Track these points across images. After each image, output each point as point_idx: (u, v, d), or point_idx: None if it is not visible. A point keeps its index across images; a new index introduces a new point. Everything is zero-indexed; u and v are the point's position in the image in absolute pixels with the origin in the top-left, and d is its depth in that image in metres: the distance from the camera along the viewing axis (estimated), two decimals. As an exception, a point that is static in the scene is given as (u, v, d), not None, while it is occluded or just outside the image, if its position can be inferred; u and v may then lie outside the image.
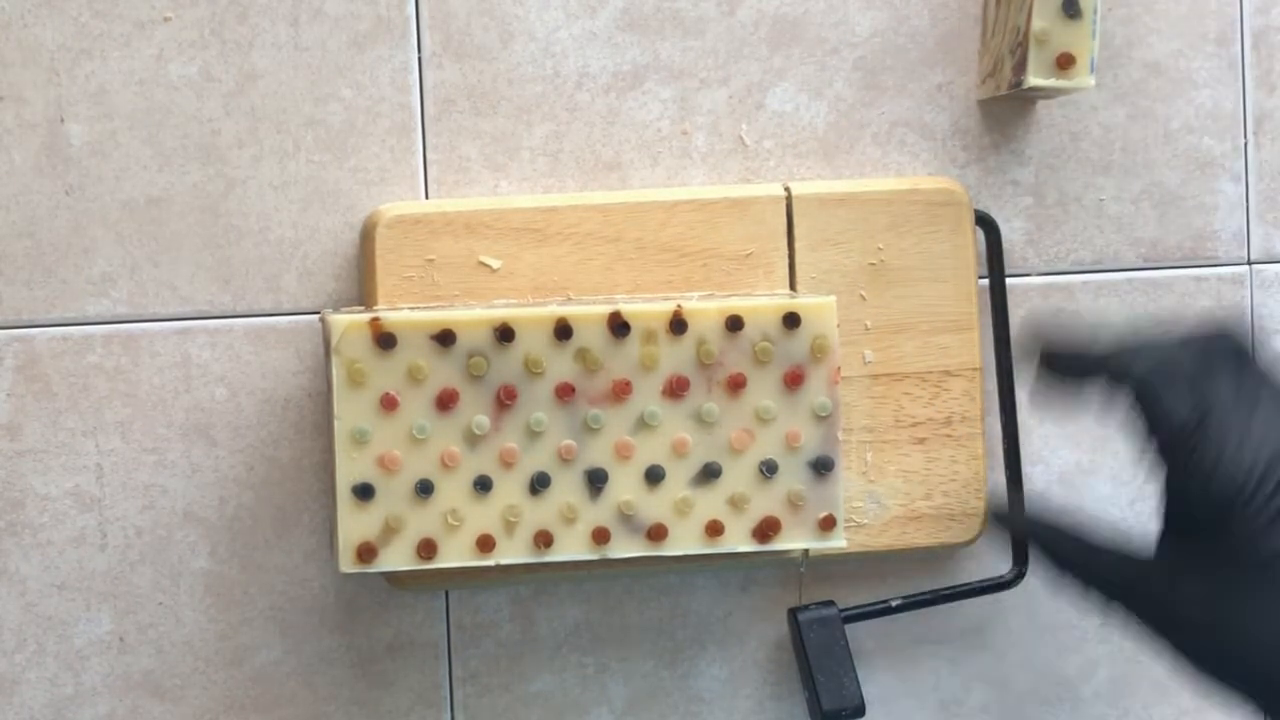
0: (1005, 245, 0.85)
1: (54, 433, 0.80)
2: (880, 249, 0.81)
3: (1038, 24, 0.79)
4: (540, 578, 0.81)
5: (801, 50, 0.83)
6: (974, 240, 0.82)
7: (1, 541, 0.80)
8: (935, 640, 0.86)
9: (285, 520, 0.81)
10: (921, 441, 0.82)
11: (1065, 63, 0.79)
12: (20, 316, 0.79)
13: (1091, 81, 0.80)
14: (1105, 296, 0.86)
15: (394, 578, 0.80)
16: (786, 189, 0.81)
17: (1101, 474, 0.86)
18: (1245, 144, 0.86)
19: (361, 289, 0.80)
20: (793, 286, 0.80)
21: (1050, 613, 0.86)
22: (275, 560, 0.81)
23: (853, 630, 0.84)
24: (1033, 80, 0.79)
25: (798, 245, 0.81)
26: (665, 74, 0.82)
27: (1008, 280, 0.85)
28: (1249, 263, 0.87)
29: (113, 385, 0.80)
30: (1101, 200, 0.86)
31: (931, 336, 0.81)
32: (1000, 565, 0.85)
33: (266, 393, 0.81)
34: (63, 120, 0.79)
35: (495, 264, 0.79)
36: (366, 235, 0.79)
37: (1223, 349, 0.70)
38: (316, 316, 0.80)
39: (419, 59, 0.81)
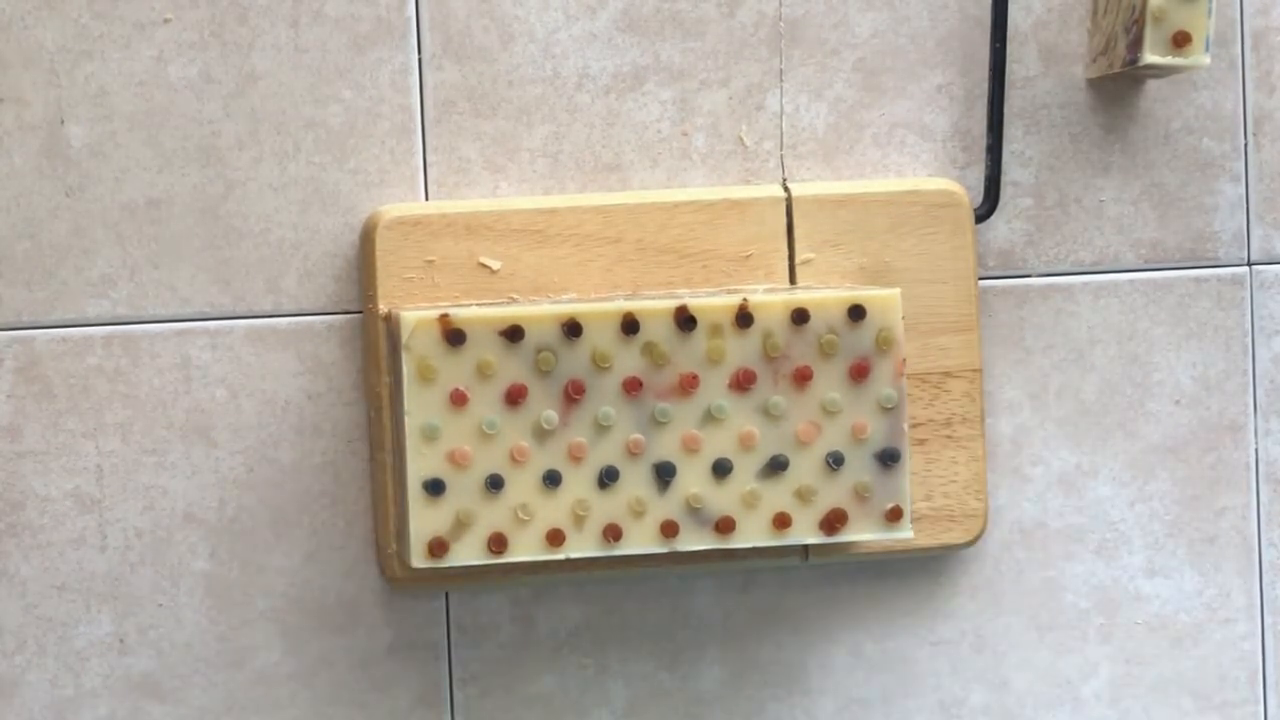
0: (1005, 245, 0.85)
1: (54, 434, 0.80)
2: (880, 250, 0.81)
3: (1155, 1, 0.79)
4: (540, 579, 0.81)
5: (801, 51, 0.83)
6: (974, 241, 0.82)
7: (1, 543, 0.80)
8: (935, 640, 0.86)
9: (285, 521, 0.81)
10: (922, 443, 0.82)
11: (1181, 41, 0.79)
12: (20, 318, 0.79)
13: (1207, 60, 0.80)
14: (1105, 297, 0.86)
15: (395, 579, 0.80)
16: (786, 190, 0.81)
17: (1101, 475, 0.86)
18: (1245, 144, 0.86)
19: (361, 290, 0.80)
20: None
21: (1050, 613, 0.86)
22: (275, 561, 0.81)
23: (850, 632, 0.84)
24: (1149, 58, 0.79)
25: (798, 246, 0.81)
26: (665, 75, 0.82)
27: (1007, 281, 0.85)
28: (1249, 263, 0.87)
29: (113, 387, 0.80)
30: (1101, 201, 0.86)
31: (931, 338, 0.81)
32: (1001, 566, 0.85)
33: (266, 394, 0.81)
34: (63, 122, 0.79)
35: (495, 265, 0.79)
36: (366, 236, 0.79)
37: None
38: (317, 318, 0.80)
39: (419, 60, 0.81)
